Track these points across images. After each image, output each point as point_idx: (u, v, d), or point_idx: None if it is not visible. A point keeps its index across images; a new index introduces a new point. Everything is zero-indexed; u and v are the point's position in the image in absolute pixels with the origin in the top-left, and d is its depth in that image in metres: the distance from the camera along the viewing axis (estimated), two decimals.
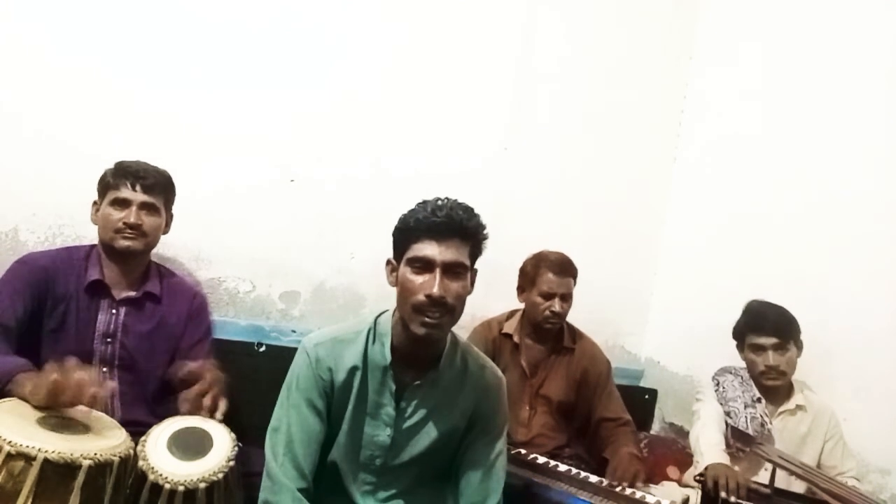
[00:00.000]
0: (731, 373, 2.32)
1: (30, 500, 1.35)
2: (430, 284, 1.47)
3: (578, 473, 2.04)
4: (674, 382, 3.03)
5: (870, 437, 2.28)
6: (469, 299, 1.55)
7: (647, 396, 3.08)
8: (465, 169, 2.70)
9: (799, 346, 2.23)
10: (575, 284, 2.31)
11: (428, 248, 1.48)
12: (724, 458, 2.09)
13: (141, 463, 1.50)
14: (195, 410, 1.68)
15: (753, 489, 1.95)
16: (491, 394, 1.68)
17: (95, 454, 1.42)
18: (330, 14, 2.52)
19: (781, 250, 2.61)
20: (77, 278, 1.89)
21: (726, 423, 2.22)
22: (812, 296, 2.39)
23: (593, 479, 2.02)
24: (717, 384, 2.32)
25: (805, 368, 2.30)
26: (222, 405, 1.70)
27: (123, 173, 1.90)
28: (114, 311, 1.91)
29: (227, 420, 1.69)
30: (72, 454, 1.39)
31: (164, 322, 1.96)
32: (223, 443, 1.60)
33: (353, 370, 1.58)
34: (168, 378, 1.89)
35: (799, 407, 2.25)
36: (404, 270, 1.51)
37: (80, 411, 1.55)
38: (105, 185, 1.92)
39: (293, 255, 2.53)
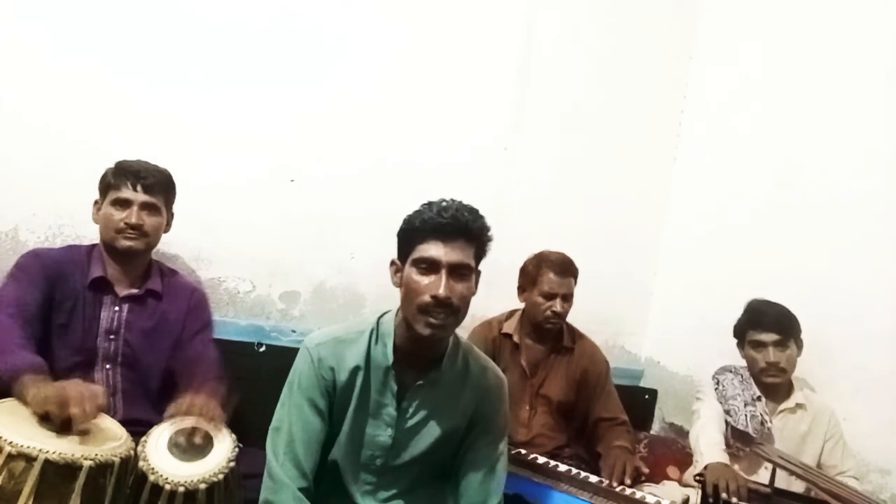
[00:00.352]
0: (730, 372, 2.33)
1: (30, 501, 1.35)
2: (435, 285, 1.46)
3: (578, 473, 2.04)
4: (674, 382, 3.04)
5: (870, 437, 2.28)
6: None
7: (647, 396, 3.08)
8: (465, 168, 2.70)
9: (799, 345, 2.23)
10: (576, 284, 2.32)
11: (434, 249, 1.48)
12: (724, 458, 2.10)
13: (141, 463, 1.50)
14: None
15: (753, 489, 1.95)
16: (492, 395, 1.68)
17: (96, 455, 1.42)
18: (330, 14, 2.52)
19: (781, 250, 2.61)
20: (81, 275, 1.89)
21: (726, 423, 2.23)
22: (812, 295, 2.38)
23: (593, 479, 2.02)
24: (717, 383, 2.32)
25: (805, 368, 2.30)
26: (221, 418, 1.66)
27: (124, 173, 1.90)
28: (117, 307, 1.91)
29: (228, 421, 1.68)
30: (72, 455, 1.39)
31: (166, 319, 1.97)
32: (224, 444, 1.60)
33: (355, 370, 1.58)
34: (169, 375, 1.90)
35: (799, 405, 2.25)
36: (409, 271, 1.51)
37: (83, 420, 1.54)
38: (106, 185, 1.92)
39: (293, 255, 2.54)
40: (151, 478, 1.47)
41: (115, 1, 2.26)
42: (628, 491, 1.98)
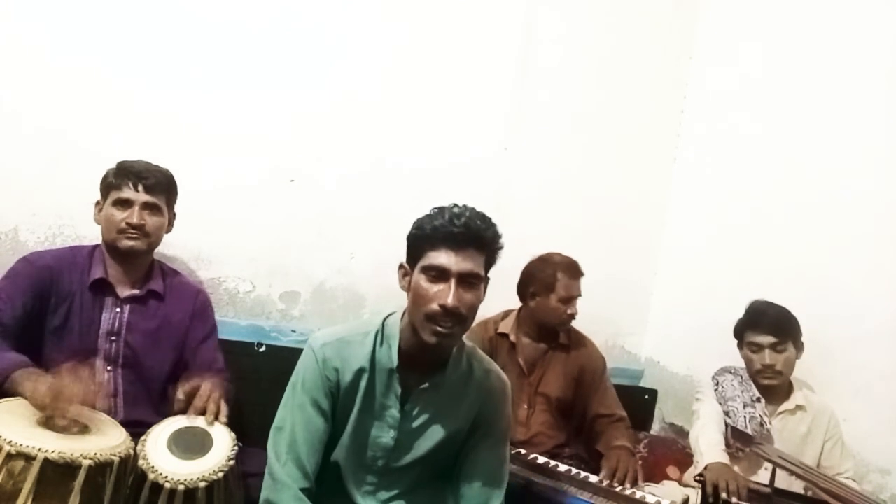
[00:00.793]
0: (730, 372, 2.33)
1: (30, 500, 1.36)
2: (444, 294, 1.45)
3: (578, 473, 2.04)
4: (674, 382, 3.03)
5: (870, 437, 2.28)
6: None
7: (647, 396, 3.08)
8: (464, 169, 2.70)
9: (799, 347, 2.23)
10: None
11: (444, 258, 1.46)
12: (724, 458, 2.10)
13: (141, 462, 1.50)
14: (185, 412, 1.67)
15: (753, 489, 1.95)
16: (495, 397, 1.68)
17: (95, 454, 1.42)
18: (330, 14, 2.52)
19: (781, 250, 2.61)
20: (81, 276, 1.89)
21: (726, 423, 2.23)
22: (812, 295, 2.38)
23: (593, 478, 2.02)
24: (717, 384, 2.32)
25: (805, 368, 2.30)
26: (223, 410, 1.68)
27: (125, 173, 1.90)
28: (118, 309, 1.91)
29: (228, 420, 1.69)
30: (72, 454, 1.39)
31: (168, 320, 1.97)
32: (223, 442, 1.60)
33: (359, 372, 1.57)
34: (172, 377, 1.89)
35: (799, 407, 2.25)
36: (418, 278, 1.49)
37: (79, 412, 1.55)
38: (107, 186, 1.92)
39: (293, 255, 2.54)
40: (151, 476, 1.47)
41: (115, 1, 2.26)
42: (628, 491, 1.98)
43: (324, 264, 2.59)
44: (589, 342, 2.45)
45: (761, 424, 2.19)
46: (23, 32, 2.17)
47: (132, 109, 2.28)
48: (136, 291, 1.94)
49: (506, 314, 2.42)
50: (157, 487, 1.47)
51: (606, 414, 2.33)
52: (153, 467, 1.49)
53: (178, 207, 2.05)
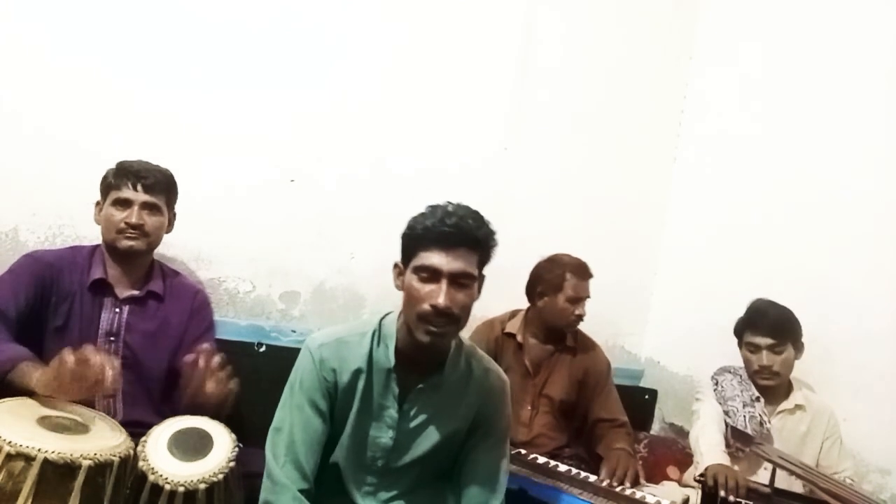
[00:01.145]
0: (730, 372, 2.33)
1: (29, 501, 1.35)
2: (435, 294, 1.45)
3: (578, 474, 2.04)
4: (674, 382, 3.03)
5: (870, 437, 2.28)
6: None
7: (647, 396, 3.08)
8: (465, 169, 2.70)
9: (798, 348, 2.23)
10: None
11: (435, 258, 1.46)
12: (724, 458, 2.10)
13: (141, 463, 1.50)
14: (197, 398, 1.65)
15: (753, 489, 1.95)
16: (494, 397, 1.67)
17: (95, 454, 1.42)
18: (330, 14, 2.52)
19: (781, 250, 2.61)
20: (81, 276, 1.89)
21: (725, 423, 2.23)
22: (812, 295, 2.38)
23: (593, 479, 2.02)
24: (717, 384, 2.32)
25: (805, 368, 2.30)
26: (232, 384, 1.67)
27: (125, 173, 1.90)
28: (117, 309, 1.91)
29: (228, 420, 1.69)
30: (72, 454, 1.39)
31: (168, 321, 1.96)
32: (223, 443, 1.60)
33: (357, 372, 1.58)
34: (172, 376, 1.89)
35: (798, 406, 2.25)
36: (410, 278, 1.49)
37: (79, 408, 1.55)
38: (107, 186, 1.92)
39: (293, 255, 2.53)
40: (151, 478, 1.47)
41: (115, 1, 2.26)
42: (628, 491, 1.98)
43: (324, 264, 2.59)
44: (595, 345, 2.45)
45: (761, 424, 2.19)
46: (23, 32, 2.17)
47: (132, 109, 2.28)
48: (135, 292, 1.94)
49: (513, 314, 2.43)
50: (157, 489, 1.46)
51: (608, 418, 2.32)
52: (153, 469, 1.48)
53: (178, 207, 2.05)
